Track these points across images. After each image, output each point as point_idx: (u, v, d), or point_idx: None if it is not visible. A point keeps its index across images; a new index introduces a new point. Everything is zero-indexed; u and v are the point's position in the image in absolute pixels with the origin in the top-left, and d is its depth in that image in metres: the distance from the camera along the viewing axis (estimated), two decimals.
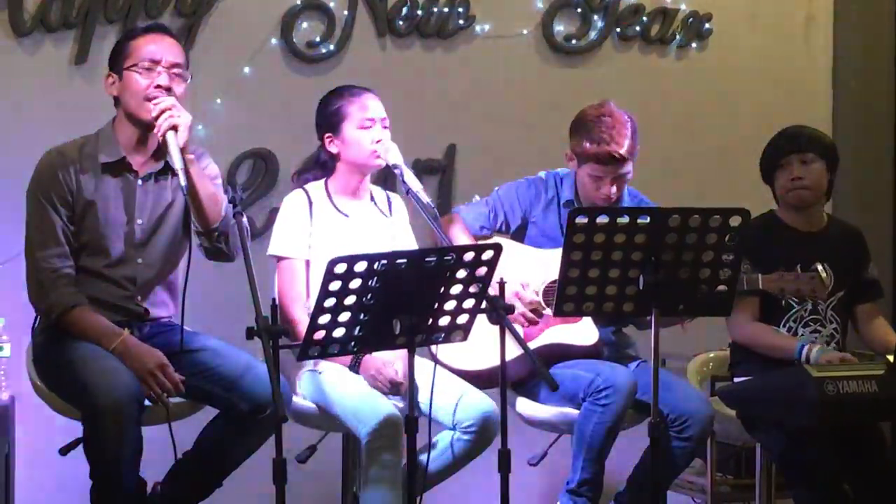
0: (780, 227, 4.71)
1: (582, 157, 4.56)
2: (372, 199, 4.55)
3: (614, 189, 4.56)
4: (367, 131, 4.39)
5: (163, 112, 3.94)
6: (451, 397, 4.24)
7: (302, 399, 4.35)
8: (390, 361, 4.25)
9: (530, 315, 4.49)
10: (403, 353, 3.86)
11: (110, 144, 4.08)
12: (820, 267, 4.42)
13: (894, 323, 4.96)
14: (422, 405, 4.09)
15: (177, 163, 3.90)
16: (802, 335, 4.63)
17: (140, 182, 4.09)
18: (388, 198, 4.59)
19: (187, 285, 4.02)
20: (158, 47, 4.06)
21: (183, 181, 3.89)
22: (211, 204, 4.02)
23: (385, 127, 4.42)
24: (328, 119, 4.45)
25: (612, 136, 4.50)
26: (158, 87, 4.00)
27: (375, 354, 4.24)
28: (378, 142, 4.37)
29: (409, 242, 4.55)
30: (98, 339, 3.97)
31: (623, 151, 4.50)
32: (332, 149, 4.45)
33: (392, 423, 4.08)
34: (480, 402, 4.25)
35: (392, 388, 4.25)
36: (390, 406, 4.16)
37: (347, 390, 4.24)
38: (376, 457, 4.09)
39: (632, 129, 4.55)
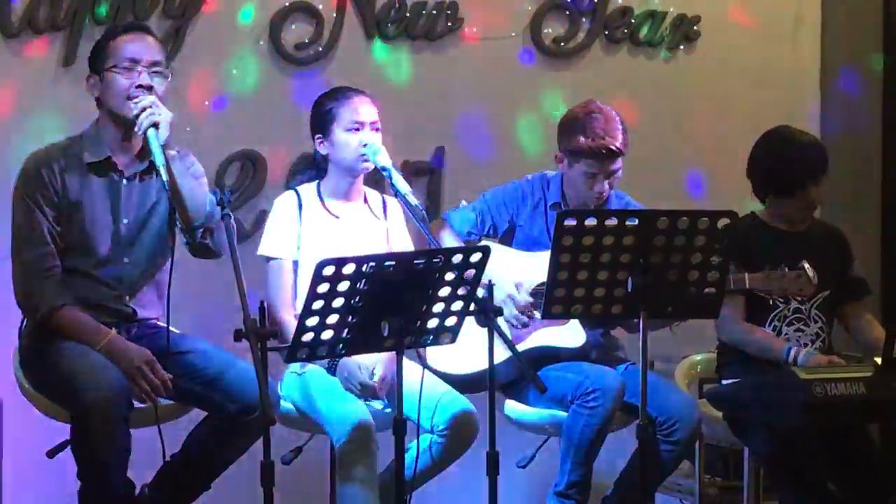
0: (765, 228, 4.71)
1: (576, 154, 4.56)
2: (366, 201, 4.55)
3: (607, 186, 4.58)
4: (355, 134, 4.39)
5: (143, 110, 3.94)
6: (431, 400, 4.23)
7: (283, 401, 4.34)
8: (365, 365, 4.25)
9: (522, 318, 4.49)
10: (388, 355, 3.86)
11: (95, 144, 4.08)
12: (807, 265, 4.43)
13: (882, 323, 4.96)
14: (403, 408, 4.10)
15: (158, 159, 3.91)
16: (787, 334, 4.64)
17: (125, 182, 4.09)
18: (384, 200, 4.59)
19: (170, 285, 4.02)
20: (137, 46, 4.06)
21: (165, 177, 3.90)
22: (193, 200, 4.02)
23: (376, 130, 4.42)
24: (320, 120, 4.46)
25: (606, 130, 4.53)
26: (140, 86, 4.01)
27: (354, 357, 4.22)
28: (365, 146, 4.37)
29: (405, 245, 4.55)
30: (85, 339, 3.97)
31: (619, 144, 4.53)
32: (323, 150, 4.46)
33: (362, 428, 4.09)
34: (453, 404, 4.25)
35: (364, 392, 4.24)
36: (362, 412, 4.15)
37: (324, 393, 4.24)
38: (348, 462, 4.10)
39: (622, 124, 4.58)
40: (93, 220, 4.05)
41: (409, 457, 4.13)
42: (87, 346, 3.95)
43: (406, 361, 3.90)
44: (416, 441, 4.19)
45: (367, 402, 4.23)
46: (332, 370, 4.28)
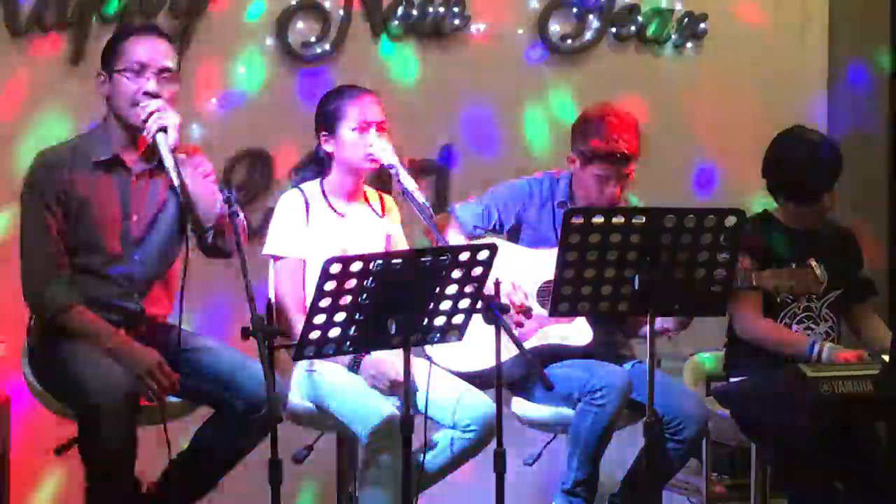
0: (776, 226, 4.71)
1: (589, 156, 4.56)
2: (366, 199, 4.55)
3: (619, 189, 4.57)
4: (362, 134, 4.38)
5: (151, 115, 3.93)
6: (451, 397, 4.24)
7: (299, 399, 4.35)
8: (391, 361, 4.25)
9: (516, 318, 4.48)
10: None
11: (103, 143, 4.07)
12: (814, 262, 4.42)
13: (890, 322, 4.97)
14: (419, 405, 4.10)
15: (168, 162, 3.90)
16: (797, 332, 4.63)
17: (134, 179, 4.09)
18: (381, 198, 4.59)
19: (184, 285, 4.02)
20: (147, 50, 4.02)
21: (175, 180, 3.90)
22: (204, 202, 4.02)
23: (382, 130, 4.41)
24: (325, 117, 4.45)
25: (620, 134, 4.52)
26: (146, 93, 3.99)
27: (375, 354, 4.23)
28: (370, 146, 4.37)
29: (401, 244, 4.55)
30: (94, 339, 3.96)
31: (632, 148, 4.52)
32: (328, 147, 4.45)
33: (393, 422, 4.07)
34: (482, 403, 4.25)
35: (392, 389, 4.24)
36: (391, 406, 4.16)
37: (347, 390, 4.24)
38: (376, 456, 4.10)
39: (636, 127, 4.57)
40: (102, 217, 4.05)
41: (432, 452, 4.16)
42: (95, 346, 3.95)
43: (419, 360, 3.90)
44: (436, 437, 4.21)
45: (391, 399, 4.24)
46: (354, 368, 4.28)
